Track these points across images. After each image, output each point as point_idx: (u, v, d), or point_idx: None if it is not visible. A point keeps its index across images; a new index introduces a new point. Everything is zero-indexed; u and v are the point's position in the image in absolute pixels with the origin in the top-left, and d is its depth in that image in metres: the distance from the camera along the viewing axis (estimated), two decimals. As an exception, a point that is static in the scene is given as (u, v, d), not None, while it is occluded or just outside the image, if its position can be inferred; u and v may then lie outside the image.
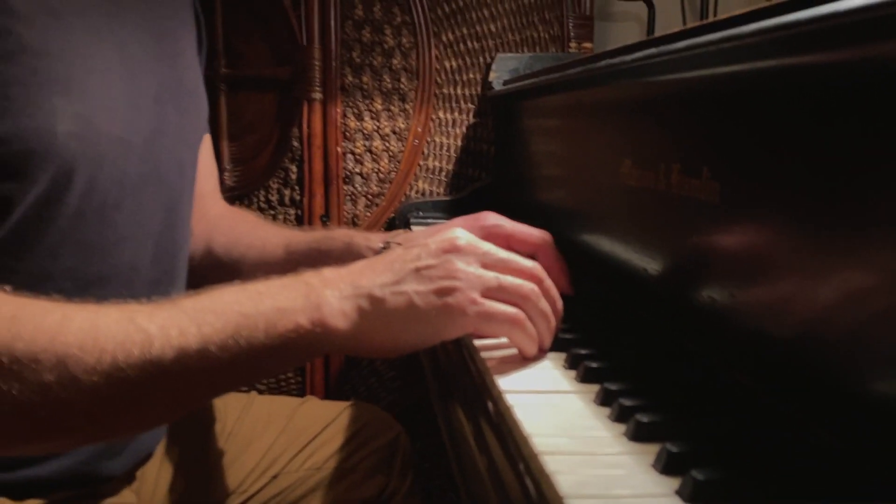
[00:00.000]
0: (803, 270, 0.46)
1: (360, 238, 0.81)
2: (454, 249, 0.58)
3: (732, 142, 0.54)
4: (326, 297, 0.54)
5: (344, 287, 0.55)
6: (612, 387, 0.51)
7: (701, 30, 0.56)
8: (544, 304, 0.59)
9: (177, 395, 0.51)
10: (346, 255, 0.79)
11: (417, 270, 0.56)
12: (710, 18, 1.55)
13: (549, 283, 0.62)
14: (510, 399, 0.50)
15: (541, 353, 0.60)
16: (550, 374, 0.57)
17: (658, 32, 1.64)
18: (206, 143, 0.89)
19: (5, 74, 0.53)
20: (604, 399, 0.50)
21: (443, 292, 0.55)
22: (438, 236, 0.59)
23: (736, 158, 0.53)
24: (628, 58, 0.66)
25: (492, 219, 0.78)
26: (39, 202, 0.57)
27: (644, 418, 0.45)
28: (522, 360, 0.60)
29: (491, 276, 0.57)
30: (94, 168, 0.60)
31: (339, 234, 0.82)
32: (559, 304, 0.62)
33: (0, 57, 0.53)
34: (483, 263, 0.58)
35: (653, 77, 0.65)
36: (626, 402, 0.48)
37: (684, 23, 1.63)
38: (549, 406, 0.50)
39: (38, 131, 0.55)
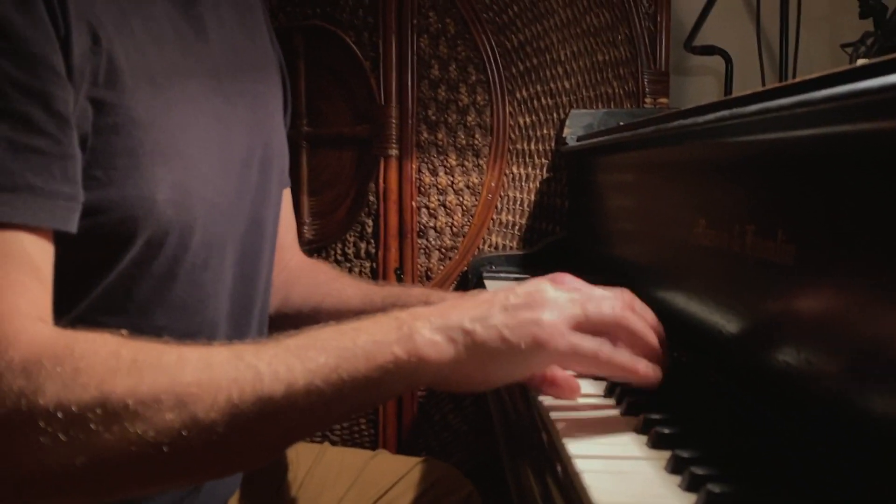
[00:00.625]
0: (881, 336, 0.45)
1: (435, 297, 0.82)
2: (540, 290, 0.59)
3: (808, 204, 0.53)
4: (418, 328, 0.56)
5: (434, 320, 0.57)
6: (684, 454, 0.50)
7: (774, 93, 0.55)
8: (637, 325, 0.60)
9: (286, 429, 0.53)
10: None
11: (506, 308, 0.57)
12: (789, 72, 1.53)
13: (640, 306, 0.62)
14: (579, 464, 0.50)
15: (652, 378, 0.60)
16: (621, 438, 0.56)
17: (736, 86, 1.63)
18: (286, 196, 0.93)
19: (114, 146, 0.57)
20: (675, 467, 0.49)
21: (531, 324, 0.56)
22: (526, 284, 0.61)
23: (812, 221, 0.53)
24: (701, 119, 0.66)
25: (568, 281, 0.78)
26: (133, 264, 0.60)
27: (716, 489, 0.44)
28: (593, 424, 0.59)
29: (578, 309, 0.58)
30: (185, 231, 0.64)
31: (417, 293, 0.84)
32: (659, 327, 0.62)
33: (110, 129, 0.56)
34: (570, 300, 0.59)
35: (726, 138, 0.65)
36: (698, 471, 0.47)
37: (762, 76, 1.61)
38: (619, 473, 0.49)
39: (139, 199, 0.58)
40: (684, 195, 0.79)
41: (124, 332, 0.52)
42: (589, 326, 0.58)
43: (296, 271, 0.92)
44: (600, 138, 1.13)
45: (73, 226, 0.53)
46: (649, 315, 0.62)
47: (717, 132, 0.65)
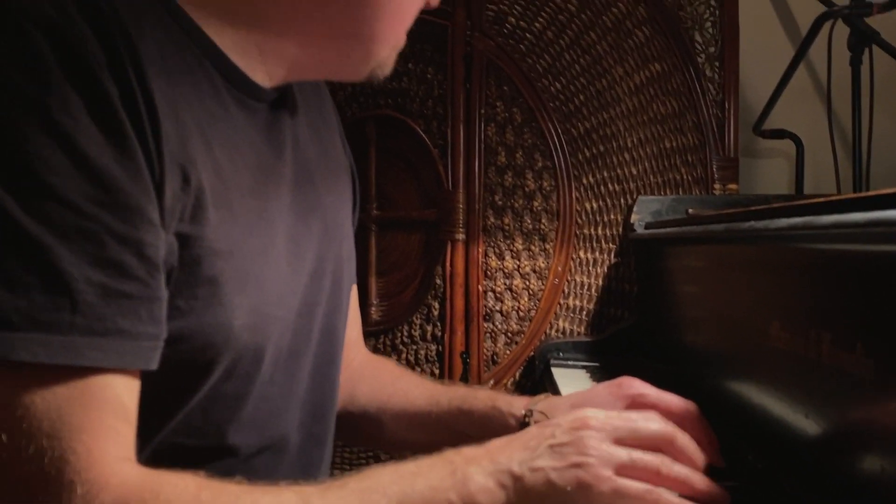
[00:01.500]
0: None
1: (502, 402, 0.81)
2: (585, 426, 0.60)
3: (890, 320, 0.52)
4: (471, 474, 0.58)
5: (485, 464, 0.59)
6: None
7: (850, 205, 0.55)
8: (678, 470, 0.60)
9: None
10: (488, 418, 0.80)
11: (552, 448, 0.59)
12: (863, 156, 1.50)
13: (682, 441, 0.62)
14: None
15: None
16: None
17: (808, 170, 1.60)
18: (352, 292, 0.93)
19: (196, 276, 0.58)
20: None
21: (576, 467, 0.58)
22: (572, 415, 0.62)
23: (894, 338, 0.51)
24: (773, 225, 0.65)
25: (636, 387, 0.77)
26: (211, 388, 0.62)
27: None
28: None
29: (622, 453, 0.59)
30: (258, 352, 0.65)
31: (483, 396, 0.83)
32: (699, 461, 0.63)
33: (193, 261, 0.58)
34: (614, 439, 0.60)
35: (800, 245, 0.64)
36: None
37: (835, 161, 1.58)
38: None
39: (218, 327, 0.60)
40: (758, 293, 0.78)
41: (201, 473, 0.55)
42: (633, 472, 0.59)
43: (360, 369, 0.92)
44: (670, 229, 1.13)
45: (154, 364, 0.55)
46: (691, 450, 0.63)
47: (791, 239, 0.64)
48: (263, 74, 0.67)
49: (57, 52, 0.50)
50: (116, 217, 0.52)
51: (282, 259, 0.68)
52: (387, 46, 0.68)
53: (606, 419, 0.62)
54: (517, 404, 0.80)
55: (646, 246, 1.30)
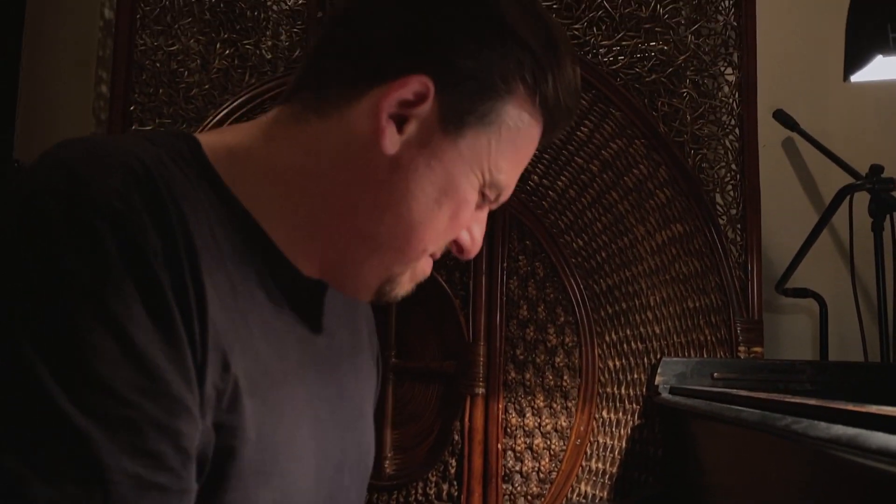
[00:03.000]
0: None
1: None
2: None
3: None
4: None
5: None
6: None
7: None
8: None
9: None
10: None
11: None
12: (889, 316, 1.48)
13: None
14: None
15: None
16: None
17: (831, 329, 1.59)
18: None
19: (226, 468, 0.57)
20: None
21: None
22: None
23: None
24: (812, 432, 0.62)
25: None
26: None
27: None
28: None
29: None
30: None
31: None
32: None
33: (226, 452, 0.57)
34: None
35: (845, 456, 0.61)
36: None
37: (860, 322, 1.56)
38: None
39: None
40: (796, 491, 0.75)
41: None
42: None
43: None
44: (698, 401, 1.10)
45: None
46: None
47: (834, 449, 0.62)
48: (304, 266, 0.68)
49: (117, 242, 0.51)
50: (158, 406, 0.51)
51: (308, 451, 0.66)
52: (404, 263, 0.67)
53: None
54: None
55: (672, 413, 1.26)
